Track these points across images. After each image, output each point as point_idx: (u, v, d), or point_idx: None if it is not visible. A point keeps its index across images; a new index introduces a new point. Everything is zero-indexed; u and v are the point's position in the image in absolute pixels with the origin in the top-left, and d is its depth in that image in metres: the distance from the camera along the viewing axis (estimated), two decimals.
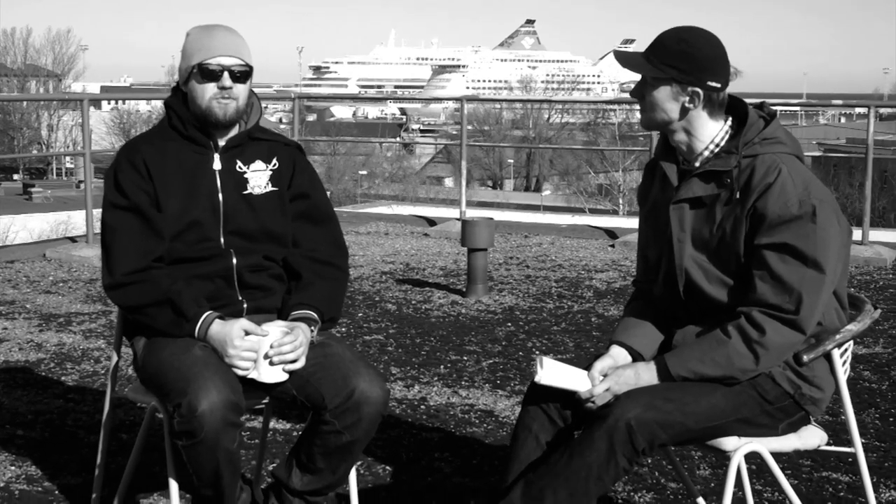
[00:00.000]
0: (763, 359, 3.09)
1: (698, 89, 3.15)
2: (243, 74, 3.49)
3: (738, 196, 3.12)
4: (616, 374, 3.18)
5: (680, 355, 3.16)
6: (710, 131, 3.21)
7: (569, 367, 3.22)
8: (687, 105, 3.17)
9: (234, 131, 3.59)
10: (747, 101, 3.28)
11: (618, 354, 3.30)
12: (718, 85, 3.16)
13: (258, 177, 3.59)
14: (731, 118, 3.24)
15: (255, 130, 3.63)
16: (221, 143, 3.57)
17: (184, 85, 3.54)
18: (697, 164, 3.22)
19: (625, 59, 3.27)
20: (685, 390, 3.11)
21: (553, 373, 3.18)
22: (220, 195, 3.53)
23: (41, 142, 69.45)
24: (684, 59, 3.14)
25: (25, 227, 33.59)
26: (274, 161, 3.63)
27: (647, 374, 3.17)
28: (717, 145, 3.20)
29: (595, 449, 3.03)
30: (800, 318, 3.06)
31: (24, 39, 77.53)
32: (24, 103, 66.96)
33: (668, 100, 3.18)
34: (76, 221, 31.10)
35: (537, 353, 6.52)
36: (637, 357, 3.29)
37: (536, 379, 3.18)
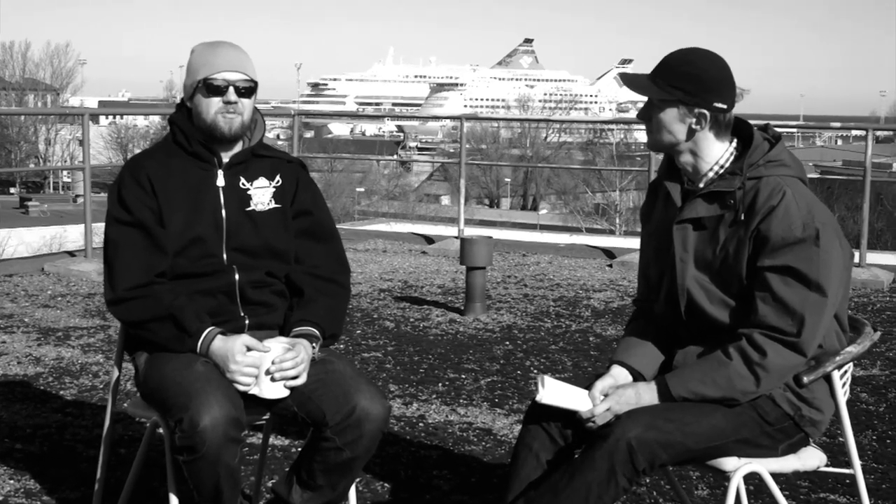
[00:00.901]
0: (764, 381, 3.10)
1: (705, 111, 3.17)
2: (248, 90, 3.51)
3: (741, 218, 3.13)
4: (617, 393, 3.19)
5: (681, 376, 3.17)
6: (716, 152, 3.22)
7: (569, 387, 3.23)
8: (693, 126, 3.19)
9: (238, 148, 3.61)
10: (749, 122, 3.30)
11: (618, 374, 3.31)
12: (725, 106, 3.18)
13: (261, 194, 3.61)
14: (736, 140, 3.26)
15: (259, 147, 3.64)
16: (225, 159, 3.58)
17: (189, 100, 3.56)
18: (701, 185, 3.24)
19: (631, 81, 3.28)
20: (686, 410, 3.11)
21: (554, 392, 3.19)
22: (224, 211, 3.54)
23: (38, 156, 69.43)
24: (690, 80, 3.15)
25: (22, 240, 33.61)
26: (277, 178, 3.64)
27: (647, 395, 3.18)
28: (722, 167, 3.21)
29: (595, 468, 3.04)
30: (801, 340, 3.07)
31: (23, 53, 77.61)
32: (22, 117, 66.94)
33: (674, 121, 3.20)
34: (72, 235, 31.12)
35: (537, 372, 6.53)
36: (638, 377, 3.30)
37: (537, 398, 3.18)
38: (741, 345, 3.11)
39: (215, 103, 3.48)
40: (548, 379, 3.20)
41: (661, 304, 3.35)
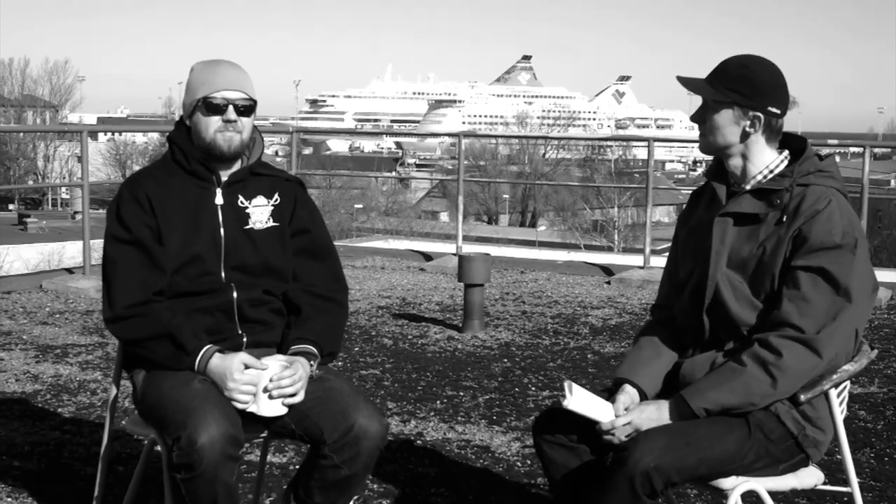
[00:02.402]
0: (780, 381, 3.10)
1: (759, 114, 3.22)
2: (247, 108, 3.53)
3: (784, 219, 3.17)
4: (639, 408, 3.21)
5: (697, 389, 3.18)
6: (766, 158, 3.27)
7: (594, 396, 3.24)
8: (748, 129, 3.23)
9: (237, 166, 3.62)
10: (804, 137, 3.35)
11: (634, 394, 3.32)
12: (779, 111, 3.24)
13: (260, 212, 3.61)
14: (786, 150, 3.30)
15: (258, 166, 3.66)
16: (224, 177, 3.59)
17: (188, 119, 3.57)
18: (748, 188, 3.27)
19: (688, 82, 3.34)
20: (701, 435, 3.11)
21: (580, 400, 3.19)
22: (222, 230, 3.55)
23: (37, 172, 69.47)
24: (746, 84, 3.21)
25: (20, 256, 33.62)
26: (275, 196, 3.65)
27: (668, 412, 3.19)
28: (772, 171, 3.26)
29: (618, 492, 3.05)
30: (817, 338, 3.09)
31: (22, 70, 77.74)
32: (21, 134, 66.97)
33: (729, 123, 3.24)
34: (70, 252, 31.14)
35: (538, 388, 6.53)
36: (641, 394, 3.31)
37: (564, 403, 3.18)
38: (754, 349, 3.13)
39: (214, 122, 3.49)
40: (575, 386, 3.20)
41: (684, 301, 3.36)
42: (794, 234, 3.15)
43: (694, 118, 3.33)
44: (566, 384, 3.21)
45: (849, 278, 3.10)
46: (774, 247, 3.18)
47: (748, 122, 3.23)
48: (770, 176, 3.26)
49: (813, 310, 3.09)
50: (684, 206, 3.60)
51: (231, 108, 3.49)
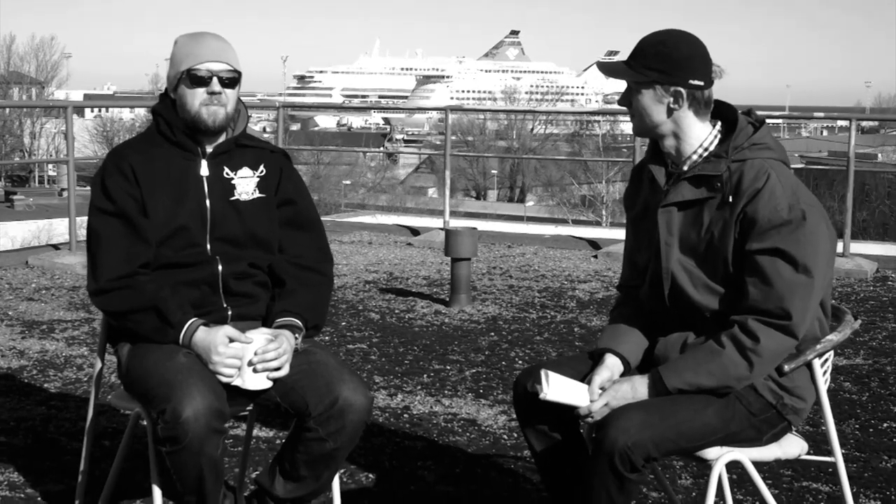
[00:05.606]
0: (757, 366, 3.11)
1: (681, 88, 3.18)
2: (232, 80, 3.51)
3: (727, 199, 3.14)
4: (613, 388, 3.20)
5: (674, 367, 3.18)
6: (699, 133, 3.23)
7: (570, 382, 3.22)
8: (672, 106, 3.20)
9: (222, 138, 3.60)
10: (734, 106, 3.31)
11: (613, 365, 3.31)
12: (701, 83, 3.19)
13: (245, 183, 3.60)
14: (720, 123, 3.27)
15: (243, 137, 3.64)
16: (209, 149, 3.58)
17: (173, 92, 3.55)
18: (686, 168, 3.25)
19: (608, 68, 3.32)
20: (679, 408, 3.11)
21: (557, 389, 3.18)
22: (208, 201, 3.54)
23: (24, 149, 69.15)
24: (663, 60, 3.17)
25: (7, 234, 33.49)
26: (261, 168, 3.64)
27: (643, 388, 3.18)
28: (706, 149, 3.23)
29: (600, 471, 3.07)
30: (792, 323, 3.08)
31: (8, 46, 77.17)
32: (7, 111, 66.60)
33: (653, 103, 3.21)
34: (58, 229, 31.03)
35: (522, 363, 6.54)
36: (625, 364, 3.31)
37: (542, 395, 3.17)
38: (733, 332, 3.11)
39: (199, 94, 3.47)
40: (552, 375, 3.19)
41: (646, 289, 3.36)
42: (739, 217, 3.12)
43: (621, 102, 3.29)
44: (542, 373, 3.19)
45: (805, 254, 3.07)
46: (722, 230, 3.15)
47: (671, 99, 3.19)
48: (705, 154, 3.22)
49: (778, 292, 3.07)
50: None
51: (215, 79, 3.47)
